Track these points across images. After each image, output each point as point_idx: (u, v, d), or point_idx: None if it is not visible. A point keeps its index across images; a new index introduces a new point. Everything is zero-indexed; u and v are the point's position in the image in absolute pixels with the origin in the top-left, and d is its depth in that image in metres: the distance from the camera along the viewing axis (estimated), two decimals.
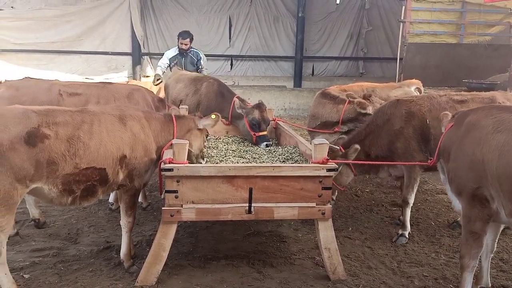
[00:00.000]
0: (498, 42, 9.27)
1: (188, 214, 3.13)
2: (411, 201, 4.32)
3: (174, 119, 3.51)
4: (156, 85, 7.15)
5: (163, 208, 3.11)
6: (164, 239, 3.17)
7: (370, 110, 4.84)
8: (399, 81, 7.88)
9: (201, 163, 3.66)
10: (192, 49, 7.47)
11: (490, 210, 2.73)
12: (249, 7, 12.90)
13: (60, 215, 4.63)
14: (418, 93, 6.07)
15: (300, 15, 12.51)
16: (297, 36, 12.82)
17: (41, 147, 2.73)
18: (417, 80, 6.36)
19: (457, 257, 3.95)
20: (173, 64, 7.33)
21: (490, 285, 3.31)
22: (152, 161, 3.33)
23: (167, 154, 3.24)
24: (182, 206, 3.11)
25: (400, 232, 4.31)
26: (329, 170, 3.27)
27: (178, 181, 3.06)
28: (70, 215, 4.62)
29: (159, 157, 3.41)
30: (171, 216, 3.10)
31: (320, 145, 3.31)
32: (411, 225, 4.52)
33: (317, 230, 3.46)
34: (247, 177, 3.15)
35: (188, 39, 7.30)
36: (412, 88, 6.23)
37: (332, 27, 13.52)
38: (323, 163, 3.28)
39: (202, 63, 7.52)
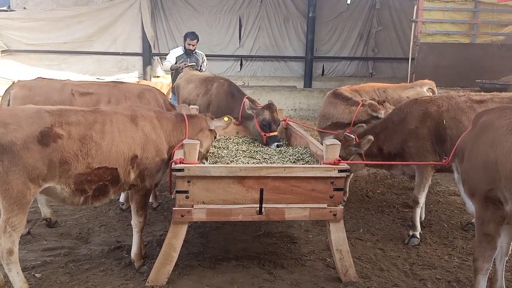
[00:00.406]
0: (511, 42, 9.12)
1: (199, 214, 3.12)
2: (422, 201, 4.28)
3: (186, 119, 3.51)
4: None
5: (173, 208, 3.11)
6: (175, 240, 3.17)
7: (382, 114, 4.81)
8: (411, 81, 7.80)
9: (204, 163, 3.65)
10: (196, 50, 7.54)
11: (504, 212, 2.67)
12: (259, 8, 12.92)
13: (71, 214, 4.66)
14: (431, 94, 5.99)
15: (310, 15, 12.47)
16: (307, 36, 12.79)
17: (54, 146, 2.75)
18: (430, 81, 6.29)
19: (471, 260, 3.88)
20: (180, 63, 7.36)
21: None
22: (164, 161, 3.32)
23: (178, 154, 3.24)
24: (192, 207, 3.10)
25: (411, 233, 4.26)
26: (341, 171, 3.23)
27: (189, 181, 3.05)
28: (81, 215, 4.65)
29: (171, 157, 3.41)
30: (182, 216, 3.10)
31: (332, 145, 3.28)
32: (423, 227, 4.48)
33: (328, 232, 3.42)
34: (257, 178, 3.14)
35: (195, 40, 7.36)
36: (425, 88, 6.16)
37: (343, 27, 13.47)
38: (334, 164, 3.24)
39: (205, 65, 7.59)
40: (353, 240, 4.24)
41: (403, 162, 4.17)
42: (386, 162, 4.24)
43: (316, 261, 3.81)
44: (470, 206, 3.00)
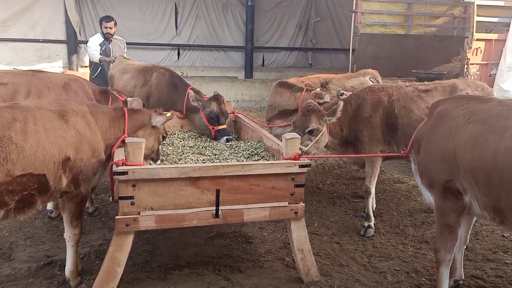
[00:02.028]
0: (442, 33, 9.63)
1: (147, 222, 2.73)
2: (373, 190, 4.28)
3: (126, 113, 3.06)
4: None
5: (116, 217, 2.67)
6: (119, 253, 2.74)
7: (327, 98, 4.78)
8: (352, 71, 7.87)
9: (150, 164, 3.27)
10: (116, 36, 7.04)
11: (463, 202, 2.66)
12: None
13: None
14: (374, 83, 6.09)
15: (249, 3, 12.21)
16: (247, 26, 12.53)
17: None
18: (373, 70, 6.39)
19: (424, 248, 3.95)
20: (101, 51, 6.73)
21: (463, 277, 3.27)
22: (101, 162, 2.86)
23: (118, 155, 2.80)
24: (139, 214, 2.70)
25: (366, 224, 4.24)
26: (302, 166, 3.03)
27: (134, 186, 2.64)
28: (1, 226, 3.97)
29: (109, 157, 2.96)
30: (127, 225, 2.68)
31: (292, 139, 3.06)
32: (375, 216, 4.47)
33: (289, 231, 3.22)
34: (213, 178, 2.82)
35: (112, 22, 6.85)
36: (367, 77, 6.26)
37: (282, 17, 13.40)
38: (295, 159, 3.03)
39: (126, 51, 7.14)
40: (309, 235, 4.00)
41: (359, 155, 4.09)
42: (349, 155, 4.17)
43: (275, 261, 3.60)
44: (428, 197, 2.96)
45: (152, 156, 3.34)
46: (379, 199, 5.11)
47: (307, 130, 3.94)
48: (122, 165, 2.61)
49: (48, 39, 10.68)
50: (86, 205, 4.20)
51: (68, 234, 2.87)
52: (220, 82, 11.20)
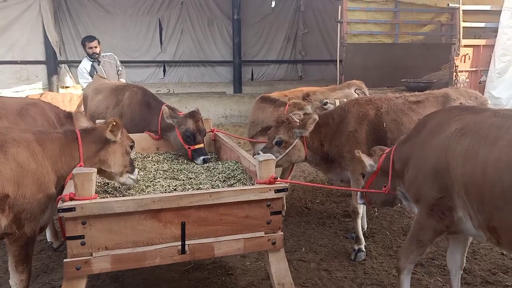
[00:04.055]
0: (430, 41, 9.47)
1: (101, 264, 2.39)
2: (361, 209, 4.00)
3: (79, 135, 2.74)
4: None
5: (64, 260, 2.33)
6: None
7: (309, 109, 4.53)
8: (340, 83, 7.64)
9: (132, 179, 3.05)
10: (104, 54, 6.75)
11: (450, 220, 2.52)
12: (180, 9, 12.16)
13: None
14: (360, 94, 5.85)
15: (235, 17, 12.05)
16: (234, 39, 12.34)
17: None
18: (358, 81, 6.13)
19: (419, 272, 3.65)
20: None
21: None
22: (51, 197, 2.53)
23: (69, 187, 2.47)
24: (91, 255, 2.36)
25: (356, 247, 3.94)
26: (278, 191, 2.72)
27: (84, 223, 2.31)
28: None
29: (62, 189, 2.63)
30: (77, 269, 2.34)
31: (266, 161, 2.75)
32: (366, 237, 4.19)
33: (267, 264, 2.89)
34: (177, 209, 2.49)
35: (95, 41, 6.57)
36: (352, 89, 6.00)
37: (270, 30, 13.25)
38: (270, 183, 2.71)
39: (121, 68, 6.85)
40: (295, 262, 3.79)
41: (346, 188, 3.82)
42: (320, 185, 3.95)
43: None
44: (413, 205, 2.81)
45: (127, 170, 3.03)
46: (371, 217, 4.81)
47: (274, 142, 3.77)
48: (69, 200, 2.28)
49: (26, 60, 10.38)
50: (50, 240, 3.89)
51: (14, 281, 2.51)
52: (207, 98, 10.94)
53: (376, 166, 3.05)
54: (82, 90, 6.68)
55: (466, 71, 7.55)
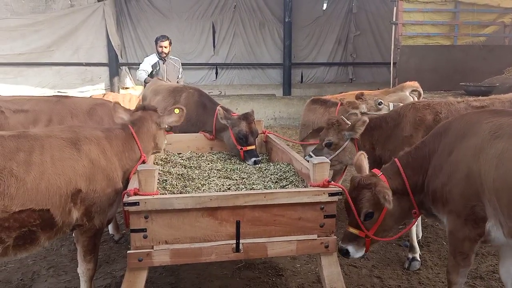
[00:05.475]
0: (492, 43, 8.93)
1: (161, 257, 2.52)
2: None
3: (132, 129, 2.91)
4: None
5: (128, 252, 2.49)
6: None
7: (363, 108, 4.51)
8: (393, 86, 7.42)
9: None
10: (171, 57, 7.07)
11: (482, 230, 2.47)
12: (232, 13, 12.42)
13: None
14: (415, 96, 5.65)
15: (287, 20, 12.09)
16: (285, 42, 12.40)
17: None
18: (412, 82, 5.88)
19: (478, 285, 3.48)
20: (155, 71, 6.78)
21: None
22: (118, 191, 2.70)
23: (133, 183, 2.63)
24: (152, 248, 2.50)
25: (410, 256, 3.81)
26: (332, 194, 2.71)
27: (146, 217, 2.45)
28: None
29: (128, 183, 2.81)
30: (139, 261, 2.48)
31: (320, 164, 2.75)
32: (421, 246, 4.05)
33: (320, 267, 2.87)
34: (233, 208, 2.56)
35: (167, 41, 6.86)
36: (407, 91, 5.78)
37: (320, 32, 13.16)
38: (324, 186, 2.71)
39: (182, 75, 7.17)
40: (346, 267, 3.74)
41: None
42: None
43: None
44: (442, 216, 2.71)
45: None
46: (426, 226, 4.63)
47: (323, 143, 3.77)
48: (134, 195, 2.43)
49: (91, 62, 11.08)
50: (112, 232, 4.13)
51: (82, 269, 2.71)
52: (257, 100, 11.07)
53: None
54: (138, 71, 6.93)
55: None
